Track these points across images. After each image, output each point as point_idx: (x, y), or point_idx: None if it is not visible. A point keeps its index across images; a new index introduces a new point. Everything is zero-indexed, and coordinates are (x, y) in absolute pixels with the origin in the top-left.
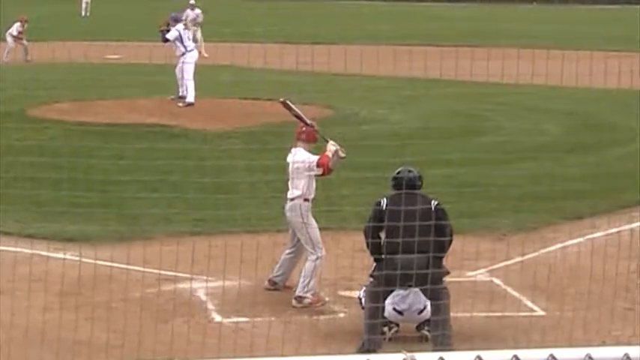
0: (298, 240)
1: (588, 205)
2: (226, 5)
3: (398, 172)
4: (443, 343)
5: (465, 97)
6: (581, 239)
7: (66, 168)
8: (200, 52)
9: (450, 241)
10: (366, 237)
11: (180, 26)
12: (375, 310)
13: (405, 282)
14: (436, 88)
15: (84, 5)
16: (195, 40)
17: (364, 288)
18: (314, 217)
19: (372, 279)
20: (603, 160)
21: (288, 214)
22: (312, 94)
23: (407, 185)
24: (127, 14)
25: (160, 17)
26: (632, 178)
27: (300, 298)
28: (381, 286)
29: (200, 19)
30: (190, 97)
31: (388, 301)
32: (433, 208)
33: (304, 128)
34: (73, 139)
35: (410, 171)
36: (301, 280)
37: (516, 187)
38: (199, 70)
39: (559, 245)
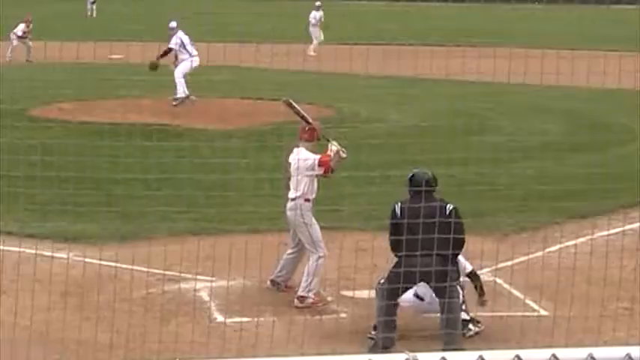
0: (300, 240)
1: (589, 205)
2: (226, 5)
3: (413, 174)
4: (453, 342)
5: (466, 96)
6: (583, 239)
7: (68, 167)
8: (310, 52)
9: (463, 243)
10: (394, 250)
11: (180, 33)
12: (390, 308)
13: (421, 281)
14: (437, 88)
15: (89, 6)
16: (314, 38)
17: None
18: (315, 216)
19: (390, 274)
20: (604, 160)
21: (288, 213)
22: (313, 94)
23: (422, 185)
24: (129, 14)
25: (162, 17)
26: (631, 178)
27: (302, 298)
28: (396, 284)
29: (321, 21)
30: (180, 93)
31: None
32: (447, 212)
33: (307, 128)
34: (74, 138)
35: (425, 173)
36: (304, 279)
37: (518, 186)
38: (200, 70)
39: (561, 245)
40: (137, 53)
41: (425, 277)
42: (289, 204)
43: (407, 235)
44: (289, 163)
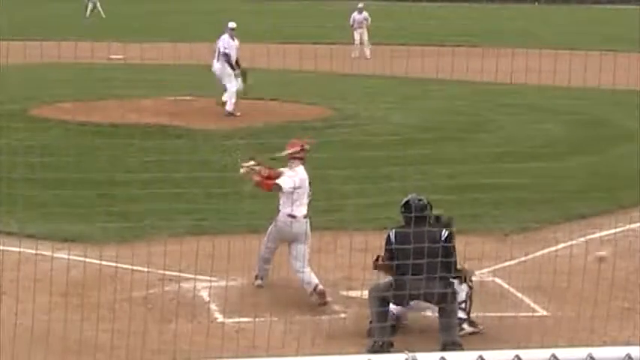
0: (275, 249)
1: (589, 205)
2: (226, 5)
3: (407, 200)
4: (452, 344)
5: (466, 96)
6: (582, 239)
7: (68, 168)
8: (365, 54)
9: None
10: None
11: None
12: (382, 314)
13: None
14: (437, 88)
15: (90, 6)
16: (360, 42)
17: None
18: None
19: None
20: (604, 160)
21: (297, 229)
22: (314, 95)
23: (416, 213)
24: (130, 14)
25: (165, 18)
26: (632, 178)
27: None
28: (388, 297)
29: (368, 22)
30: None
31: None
32: (443, 238)
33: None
34: (74, 138)
35: (420, 199)
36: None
37: (518, 187)
38: (201, 70)
39: (561, 245)
40: (137, 53)
41: (423, 298)
42: (303, 220)
43: (404, 261)
44: (298, 185)
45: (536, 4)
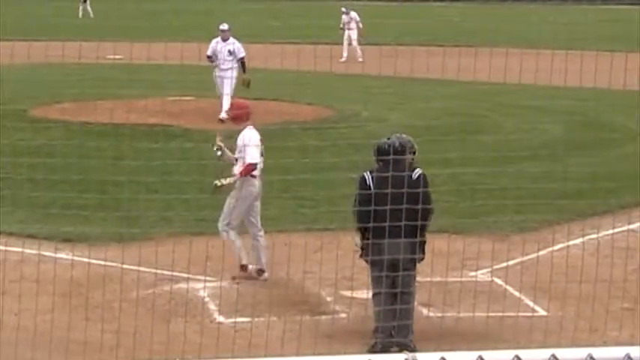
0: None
1: (588, 205)
2: (225, 5)
3: (378, 145)
4: (406, 334)
5: (465, 96)
6: (581, 239)
7: (67, 168)
8: (356, 56)
9: (431, 211)
10: (360, 220)
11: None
12: (388, 297)
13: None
14: (436, 88)
15: (80, 5)
16: (349, 43)
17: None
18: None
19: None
20: (603, 160)
21: (258, 189)
22: (313, 95)
23: (389, 154)
24: (129, 13)
25: (166, 18)
26: (632, 178)
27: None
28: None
29: (358, 22)
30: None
31: None
32: (414, 179)
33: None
34: (74, 139)
35: (391, 140)
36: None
37: (517, 187)
38: (196, 70)
39: (560, 245)
40: (136, 54)
41: (395, 262)
42: (259, 181)
43: (376, 207)
44: (259, 145)
45: (537, 3)
